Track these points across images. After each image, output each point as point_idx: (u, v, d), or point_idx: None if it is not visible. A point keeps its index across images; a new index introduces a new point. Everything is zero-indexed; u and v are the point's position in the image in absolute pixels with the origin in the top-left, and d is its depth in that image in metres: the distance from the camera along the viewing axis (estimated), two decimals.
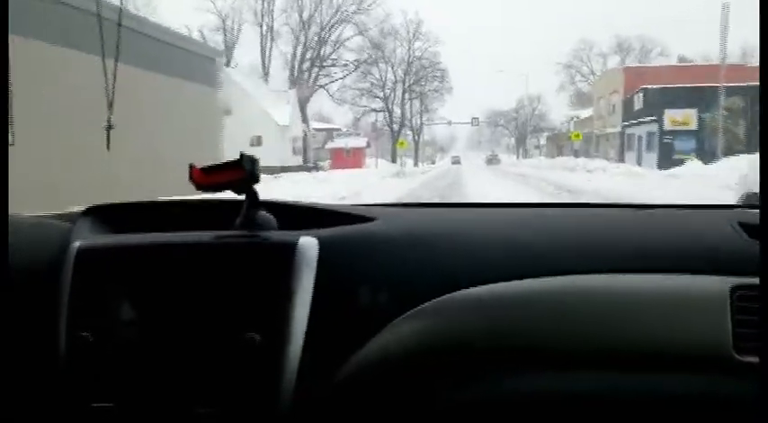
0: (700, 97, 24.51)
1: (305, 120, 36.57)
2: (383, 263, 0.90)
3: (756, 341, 0.73)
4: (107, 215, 1.05)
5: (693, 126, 25.23)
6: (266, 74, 38.05)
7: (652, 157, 25.97)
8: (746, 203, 1.12)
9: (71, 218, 1.04)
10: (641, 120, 27.53)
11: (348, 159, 38.45)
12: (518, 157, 61.08)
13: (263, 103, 30.86)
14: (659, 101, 26.03)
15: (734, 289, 0.78)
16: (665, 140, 25.58)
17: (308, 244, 0.88)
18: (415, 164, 43.17)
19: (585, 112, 48.96)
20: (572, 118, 48.96)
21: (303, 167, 29.56)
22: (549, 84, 76.87)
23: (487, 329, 0.81)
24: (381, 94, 43.92)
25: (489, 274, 0.86)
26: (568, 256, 0.88)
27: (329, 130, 43.29)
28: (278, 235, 0.91)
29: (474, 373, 0.80)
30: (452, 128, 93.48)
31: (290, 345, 0.82)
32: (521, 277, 0.85)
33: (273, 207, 0.97)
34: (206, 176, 0.88)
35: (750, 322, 0.75)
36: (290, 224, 0.95)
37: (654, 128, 26.31)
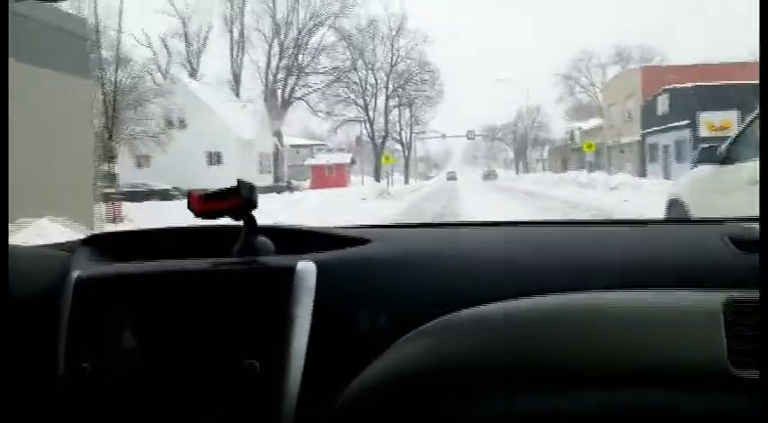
0: (741, 97, 20.39)
1: (277, 134, 32.25)
2: (381, 285, 0.90)
3: (751, 356, 0.74)
4: (106, 244, 1.06)
5: (735, 131, 21.08)
6: (237, 84, 33.74)
7: (683, 169, 21.84)
8: (737, 217, 1.13)
9: (70, 247, 1.05)
10: (668, 126, 23.42)
11: (330, 178, 34.38)
12: (517, 172, 57.42)
13: (225, 115, 26.90)
14: (691, 103, 22.00)
15: (727, 303, 0.78)
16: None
17: (306, 268, 0.89)
18: (406, 181, 38.82)
19: (588, 124, 45.48)
20: (576, 129, 45.19)
21: (273, 188, 25.44)
22: (548, 96, 73.33)
23: (487, 350, 0.82)
24: (361, 102, 36.56)
25: (487, 294, 0.86)
26: (563, 273, 0.89)
27: (311, 146, 39.05)
28: (276, 260, 0.92)
29: (475, 393, 0.80)
30: (447, 143, 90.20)
31: (290, 371, 0.83)
32: (518, 296, 0.85)
33: (270, 231, 0.97)
34: (204, 203, 0.90)
35: (744, 336, 0.75)
36: (287, 248, 0.95)
37: (685, 134, 22.23)
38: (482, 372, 0.81)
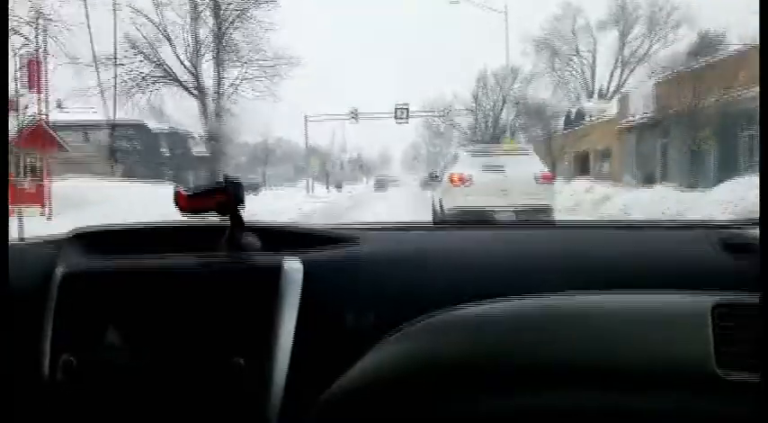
0: None
1: None
2: (367, 284, 0.90)
3: (738, 358, 0.75)
4: (92, 239, 1.04)
5: None
6: None
7: None
8: (724, 221, 1.11)
9: (56, 242, 1.03)
10: None
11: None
12: None
13: None
14: None
15: (715, 306, 0.79)
16: None
17: (293, 266, 0.89)
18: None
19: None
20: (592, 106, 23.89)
21: None
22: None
23: (472, 349, 0.82)
24: None
25: (473, 295, 0.86)
26: (550, 275, 0.89)
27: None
28: (263, 258, 0.91)
29: (460, 391, 0.80)
30: (384, 146, 69.16)
31: (275, 368, 0.83)
32: (503, 296, 0.85)
33: (258, 230, 0.96)
34: (191, 201, 0.90)
35: (732, 338, 0.77)
36: (274, 246, 0.94)
37: None
38: (465, 371, 0.81)
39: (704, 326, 0.77)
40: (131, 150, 27.76)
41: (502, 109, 31.20)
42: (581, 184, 15.42)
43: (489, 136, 30.87)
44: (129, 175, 24.86)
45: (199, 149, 32.47)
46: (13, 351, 0.86)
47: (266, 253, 0.92)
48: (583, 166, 23.15)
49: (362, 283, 0.89)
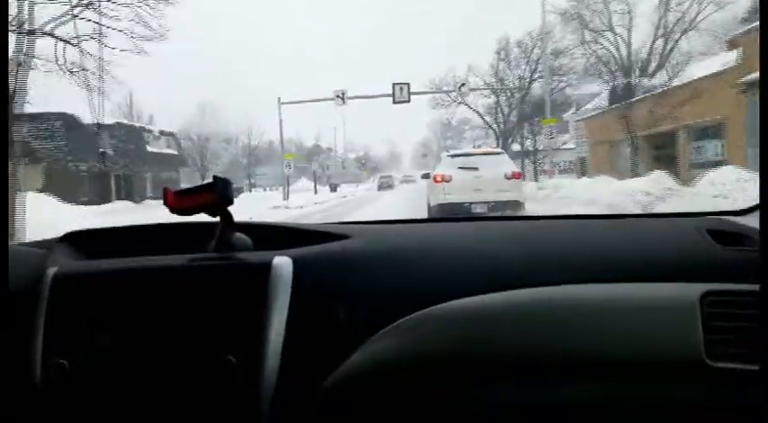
0: None
1: None
2: (358, 280, 0.90)
3: (728, 347, 0.75)
4: (83, 241, 1.04)
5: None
6: None
7: None
8: (713, 211, 1.08)
9: (47, 244, 1.03)
10: None
11: None
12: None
13: None
14: None
15: (704, 295, 0.79)
16: None
17: (283, 263, 0.88)
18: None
19: None
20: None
21: None
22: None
23: (463, 344, 0.82)
24: None
25: (462, 289, 0.86)
26: (539, 268, 0.89)
27: None
28: (253, 256, 0.91)
29: (451, 387, 0.81)
30: (393, 145, 63.24)
31: (266, 365, 0.83)
32: (494, 290, 0.85)
33: (248, 228, 0.97)
34: (180, 200, 0.89)
35: (721, 328, 0.76)
36: (264, 244, 0.95)
37: None
38: (459, 364, 0.81)
39: (693, 315, 0.77)
40: (55, 150, 21.31)
41: (530, 84, 24.42)
42: (734, 176, 8.87)
43: (516, 116, 24.08)
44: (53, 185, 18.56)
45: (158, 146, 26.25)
46: (6, 353, 0.85)
47: (256, 251, 0.92)
48: (660, 153, 16.32)
49: (354, 278, 0.89)
